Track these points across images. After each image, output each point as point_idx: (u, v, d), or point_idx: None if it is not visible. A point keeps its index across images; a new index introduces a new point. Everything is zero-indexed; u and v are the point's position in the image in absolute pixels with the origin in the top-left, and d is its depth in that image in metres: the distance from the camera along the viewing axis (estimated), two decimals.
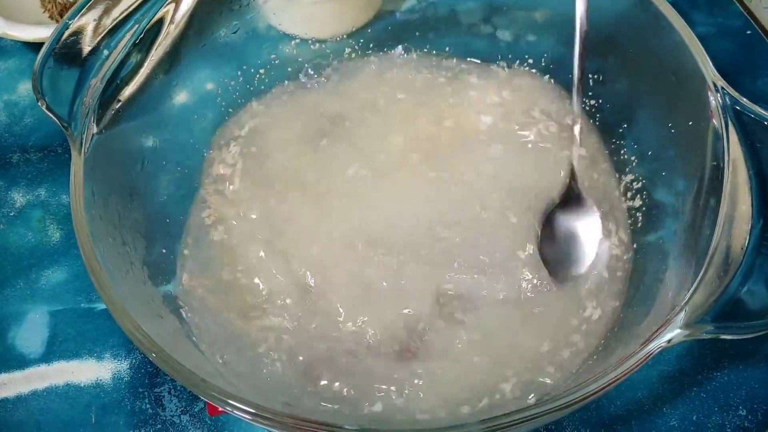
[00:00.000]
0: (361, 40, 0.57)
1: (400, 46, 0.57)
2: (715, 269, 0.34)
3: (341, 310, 0.44)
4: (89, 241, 0.35)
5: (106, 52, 0.43)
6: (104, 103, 0.42)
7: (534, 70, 0.55)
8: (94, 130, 0.41)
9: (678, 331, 0.32)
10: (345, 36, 0.57)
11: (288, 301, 0.45)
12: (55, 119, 0.40)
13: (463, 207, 0.48)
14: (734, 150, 0.37)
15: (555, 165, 0.50)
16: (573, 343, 0.42)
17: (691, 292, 0.34)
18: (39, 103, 0.40)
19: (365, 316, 0.44)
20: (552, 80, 0.54)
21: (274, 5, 0.53)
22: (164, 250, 0.46)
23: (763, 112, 0.37)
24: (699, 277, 0.34)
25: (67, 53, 0.42)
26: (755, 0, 0.64)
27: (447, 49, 0.57)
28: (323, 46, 0.56)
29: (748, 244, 0.35)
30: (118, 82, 0.43)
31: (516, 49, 0.55)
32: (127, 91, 0.44)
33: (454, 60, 0.57)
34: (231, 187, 0.51)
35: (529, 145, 0.51)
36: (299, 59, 0.56)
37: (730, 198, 0.36)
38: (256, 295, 0.46)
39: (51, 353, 0.49)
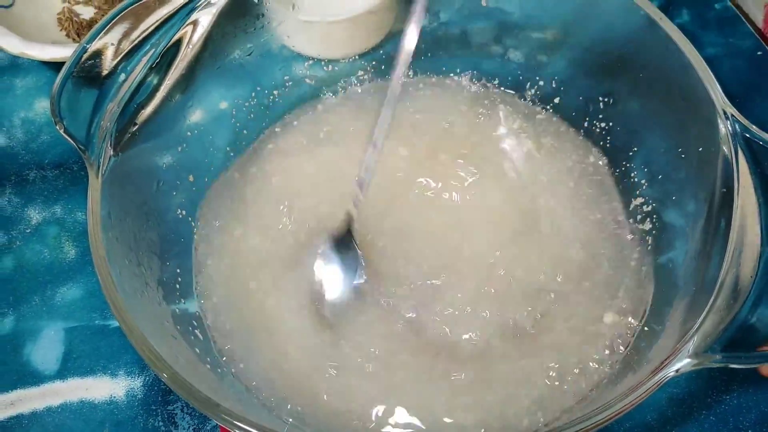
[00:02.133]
0: (374, 61, 0.57)
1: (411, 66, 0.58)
2: (724, 297, 0.34)
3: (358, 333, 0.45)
4: (105, 263, 0.36)
5: (123, 75, 0.43)
6: (121, 127, 0.43)
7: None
8: (111, 152, 0.41)
9: (687, 360, 0.33)
10: (357, 56, 0.58)
11: (297, 322, 0.46)
12: (73, 142, 0.41)
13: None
14: (744, 177, 0.37)
15: None
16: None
17: (700, 320, 0.34)
18: (57, 127, 0.41)
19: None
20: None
21: (289, 27, 0.54)
22: (179, 270, 0.47)
23: None
24: (708, 305, 0.34)
25: (85, 76, 0.42)
26: None
27: (458, 69, 0.58)
28: (336, 66, 0.57)
29: (757, 271, 0.35)
30: (135, 105, 0.44)
31: (526, 69, 0.56)
32: (144, 113, 0.45)
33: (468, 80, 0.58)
34: (246, 206, 0.51)
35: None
36: (312, 80, 0.57)
37: (739, 225, 0.36)
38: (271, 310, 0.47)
39: (66, 370, 0.50)
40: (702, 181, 0.41)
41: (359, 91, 0.57)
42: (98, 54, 0.43)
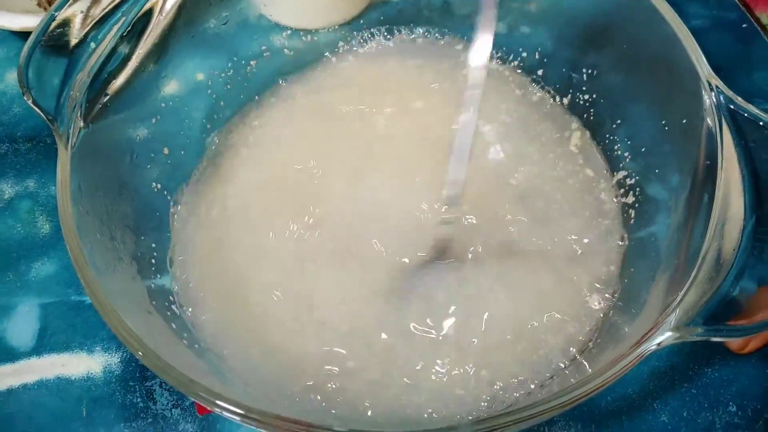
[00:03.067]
0: (354, 32, 0.56)
1: (392, 37, 0.57)
2: (706, 270, 0.34)
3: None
4: (76, 237, 0.35)
5: (93, 44, 0.42)
6: (91, 97, 0.41)
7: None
8: (81, 124, 0.40)
9: (669, 333, 0.32)
10: (337, 27, 0.56)
11: (279, 293, 0.45)
12: (41, 113, 0.39)
13: None
14: (728, 150, 0.36)
15: None
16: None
17: (682, 293, 0.33)
18: (24, 97, 0.39)
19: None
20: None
21: None
22: (154, 244, 0.46)
23: (757, 111, 0.37)
24: (690, 279, 0.34)
25: (53, 45, 0.41)
26: None
27: (441, 40, 0.57)
28: (315, 37, 0.56)
29: (740, 245, 0.34)
30: (106, 75, 0.42)
31: (509, 41, 0.55)
32: (115, 83, 0.43)
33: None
34: (225, 178, 0.51)
35: None
36: (291, 51, 0.56)
37: (723, 198, 0.36)
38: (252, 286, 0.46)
39: (42, 346, 0.49)
40: (685, 153, 0.40)
41: (343, 61, 0.56)
42: (67, 22, 0.42)
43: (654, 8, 0.41)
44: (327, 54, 0.56)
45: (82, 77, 0.41)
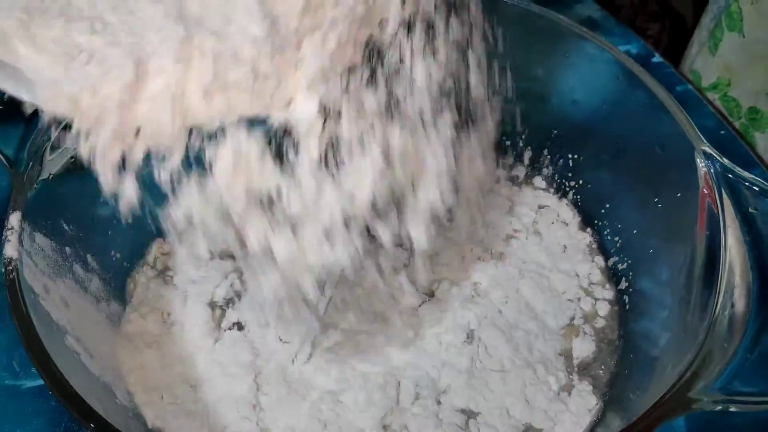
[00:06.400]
0: None
1: None
2: (718, 338, 0.31)
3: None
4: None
5: None
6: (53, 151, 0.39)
7: None
8: (42, 174, 0.38)
9: (686, 399, 0.29)
10: None
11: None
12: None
13: None
14: (729, 217, 0.35)
15: None
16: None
17: (694, 362, 0.30)
18: None
19: None
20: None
21: None
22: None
23: (754, 177, 0.35)
24: (701, 346, 0.31)
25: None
26: None
27: None
28: None
29: (751, 309, 0.32)
30: None
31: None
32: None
33: None
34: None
35: None
36: None
37: (728, 266, 0.33)
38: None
39: None
40: (682, 227, 0.38)
41: None
42: None
43: (643, 85, 0.41)
44: None
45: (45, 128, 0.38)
